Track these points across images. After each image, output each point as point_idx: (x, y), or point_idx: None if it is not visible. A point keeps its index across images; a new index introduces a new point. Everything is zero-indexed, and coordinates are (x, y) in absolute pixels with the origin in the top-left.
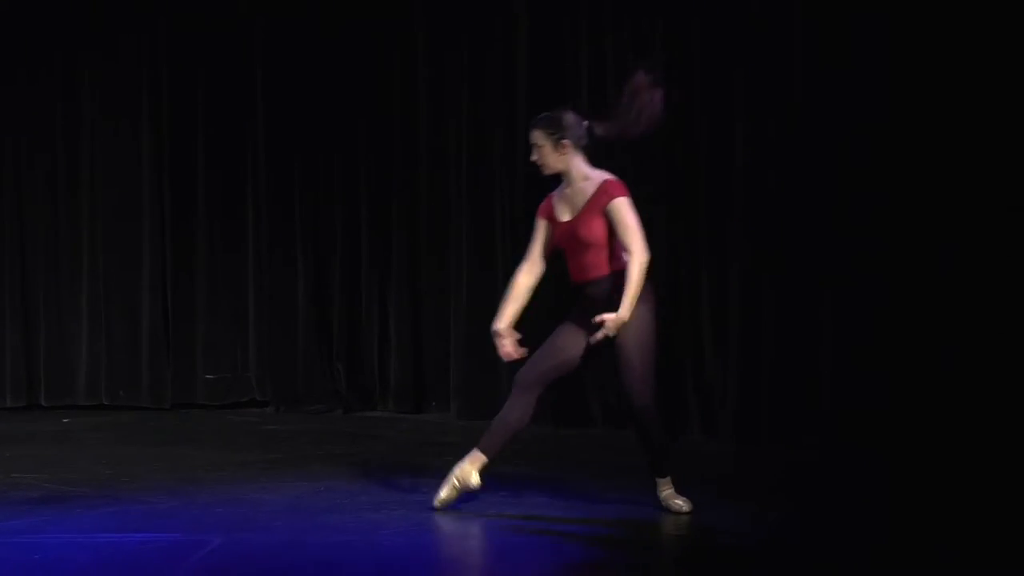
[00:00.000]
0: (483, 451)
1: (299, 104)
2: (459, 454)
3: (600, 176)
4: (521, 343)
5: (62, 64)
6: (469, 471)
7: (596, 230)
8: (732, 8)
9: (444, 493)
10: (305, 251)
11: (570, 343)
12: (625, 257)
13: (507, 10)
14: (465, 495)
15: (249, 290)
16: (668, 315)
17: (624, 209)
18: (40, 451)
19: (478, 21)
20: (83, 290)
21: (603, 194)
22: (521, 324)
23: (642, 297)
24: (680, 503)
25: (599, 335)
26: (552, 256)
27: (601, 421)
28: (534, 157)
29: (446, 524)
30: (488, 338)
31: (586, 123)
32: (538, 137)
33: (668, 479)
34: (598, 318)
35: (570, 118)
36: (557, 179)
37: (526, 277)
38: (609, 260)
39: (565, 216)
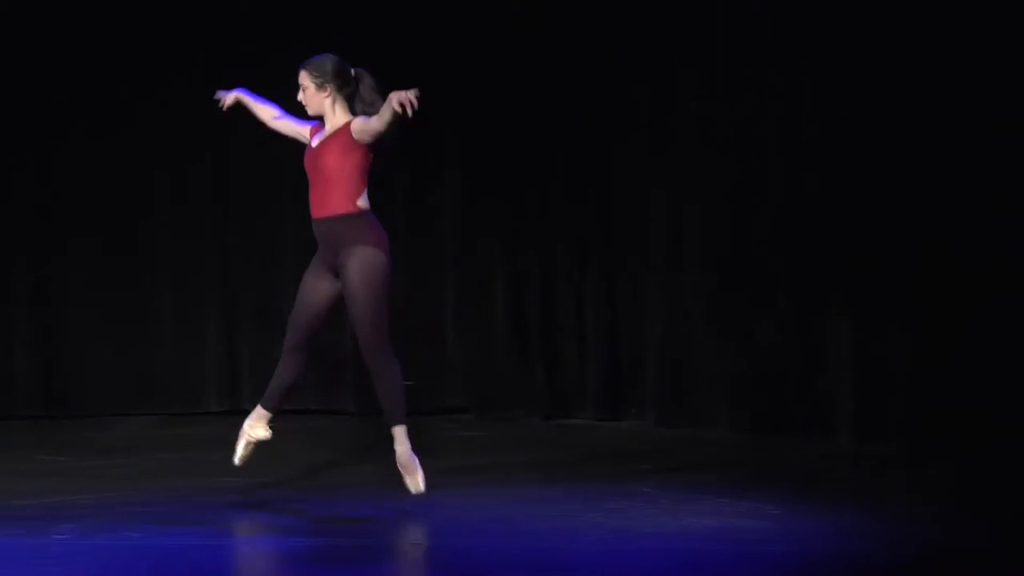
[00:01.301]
0: (265, 408)
1: (492, 102)
2: (656, 462)
3: (348, 117)
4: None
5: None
6: (256, 426)
7: (333, 160)
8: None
9: (241, 451)
10: (503, 257)
11: (315, 295)
12: (362, 203)
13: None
14: (660, 505)
15: (448, 296)
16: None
17: (361, 120)
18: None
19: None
20: (284, 295)
21: (347, 129)
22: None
23: (375, 240)
24: (413, 479)
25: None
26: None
27: (803, 428)
28: (299, 97)
29: (643, 533)
30: (685, 346)
31: (353, 71)
32: (304, 78)
33: (403, 428)
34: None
35: (337, 64)
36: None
37: (273, 113)
38: (344, 200)
39: (315, 143)
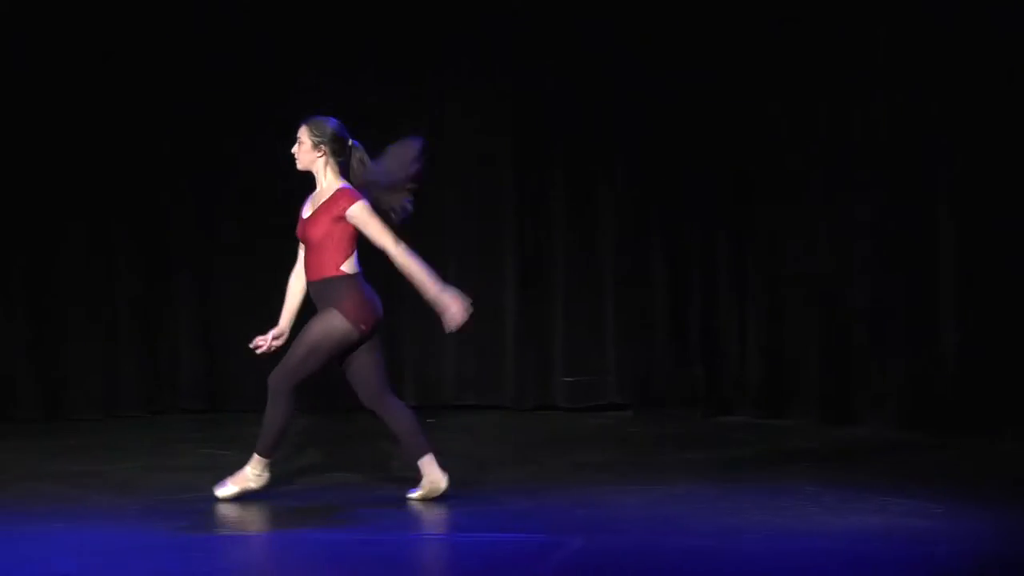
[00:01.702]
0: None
1: (658, 113)
2: (819, 460)
3: (339, 183)
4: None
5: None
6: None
7: (321, 231)
8: None
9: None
10: (664, 255)
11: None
12: (347, 268)
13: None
14: (824, 504)
15: (608, 293)
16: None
17: (365, 213)
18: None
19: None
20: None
21: (339, 199)
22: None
23: (349, 307)
24: (228, 488)
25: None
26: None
27: (966, 426)
28: (294, 149)
29: (809, 532)
30: (845, 345)
31: (351, 142)
32: (303, 133)
33: (261, 461)
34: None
35: (337, 129)
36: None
37: (294, 278)
38: (328, 265)
39: (306, 214)
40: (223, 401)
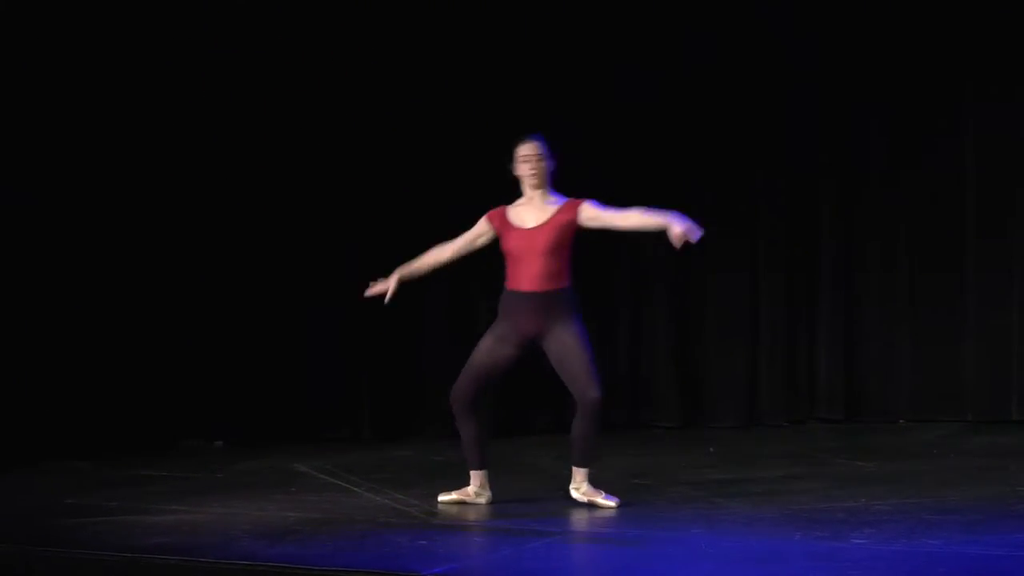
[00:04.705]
0: (475, 469)
1: None
2: None
3: (556, 195)
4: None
5: None
6: (480, 492)
7: (556, 240)
8: None
9: (448, 502)
10: None
11: (497, 358)
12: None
13: None
14: None
15: None
16: None
17: (597, 206)
18: None
19: None
20: None
21: (570, 206)
22: None
23: (578, 310)
24: (602, 500)
25: (683, 242)
26: (464, 256)
27: None
28: (532, 166)
29: None
30: None
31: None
32: (541, 150)
33: (585, 472)
34: (677, 236)
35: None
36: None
37: (440, 250)
38: (563, 275)
39: (528, 224)
40: (859, 411)
